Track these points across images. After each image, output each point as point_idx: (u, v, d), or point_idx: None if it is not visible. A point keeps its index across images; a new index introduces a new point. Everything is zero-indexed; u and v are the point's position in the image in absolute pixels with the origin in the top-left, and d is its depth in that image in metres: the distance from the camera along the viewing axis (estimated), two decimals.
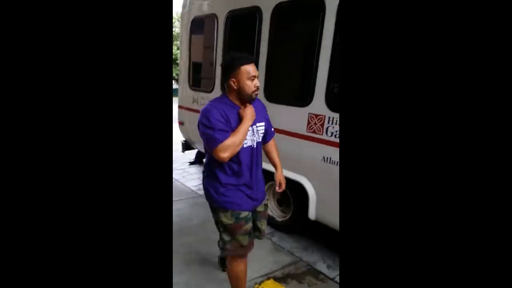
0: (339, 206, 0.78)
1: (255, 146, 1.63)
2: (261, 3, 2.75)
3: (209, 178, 1.65)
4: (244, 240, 1.66)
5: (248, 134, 1.55)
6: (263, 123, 1.68)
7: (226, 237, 1.66)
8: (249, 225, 1.68)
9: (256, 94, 1.54)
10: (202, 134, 1.49)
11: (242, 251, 1.69)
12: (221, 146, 1.43)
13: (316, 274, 2.31)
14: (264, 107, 1.76)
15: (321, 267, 2.40)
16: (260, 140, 1.67)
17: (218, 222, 1.67)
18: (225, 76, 1.53)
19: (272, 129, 1.83)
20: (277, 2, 2.60)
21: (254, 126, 1.60)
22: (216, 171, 1.60)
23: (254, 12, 2.79)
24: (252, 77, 1.49)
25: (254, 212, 1.73)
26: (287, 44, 2.71)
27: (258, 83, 1.53)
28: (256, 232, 1.80)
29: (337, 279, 2.27)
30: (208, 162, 1.67)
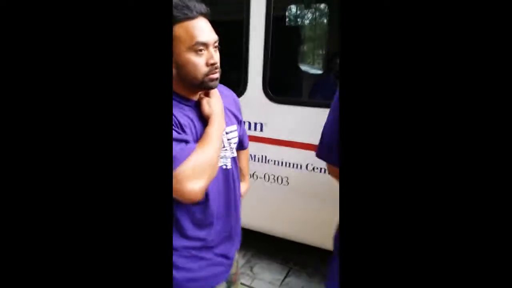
0: (339, 211, 0.71)
1: (229, 166, 0.91)
2: None
3: None
4: None
5: None
6: (235, 127, 0.95)
7: None
8: None
9: (214, 79, 0.80)
10: None
11: None
12: (185, 169, 0.72)
13: None
14: (236, 100, 1.01)
15: None
16: (235, 154, 0.95)
17: None
18: None
19: (247, 134, 1.17)
20: None
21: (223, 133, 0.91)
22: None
23: None
24: (201, 45, 0.75)
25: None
26: None
27: (217, 59, 0.79)
28: None
29: None
30: None
